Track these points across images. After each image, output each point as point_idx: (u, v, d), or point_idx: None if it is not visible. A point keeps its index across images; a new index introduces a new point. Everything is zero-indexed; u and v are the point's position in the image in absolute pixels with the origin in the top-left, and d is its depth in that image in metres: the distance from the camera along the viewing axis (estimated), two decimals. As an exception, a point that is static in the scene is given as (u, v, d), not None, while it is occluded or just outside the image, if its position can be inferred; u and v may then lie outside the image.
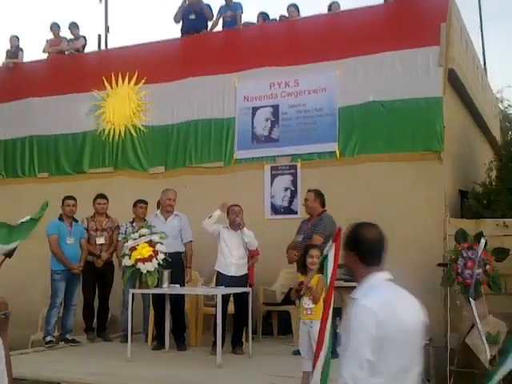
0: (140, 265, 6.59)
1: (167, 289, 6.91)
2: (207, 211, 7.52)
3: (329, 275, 4.42)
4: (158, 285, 6.80)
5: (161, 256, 6.69)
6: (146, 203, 8.32)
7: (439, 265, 7.60)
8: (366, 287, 2.73)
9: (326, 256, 4.55)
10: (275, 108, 9.22)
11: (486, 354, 6.92)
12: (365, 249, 2.78)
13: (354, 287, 6.92)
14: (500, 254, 7.31)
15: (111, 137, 10.23)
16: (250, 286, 7.60)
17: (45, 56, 11.30)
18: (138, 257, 6.58)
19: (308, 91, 9.06)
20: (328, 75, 8.94)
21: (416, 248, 8.06)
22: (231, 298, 7.08)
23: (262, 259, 8.12)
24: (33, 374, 5.99)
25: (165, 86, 9.92)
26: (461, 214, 8.63)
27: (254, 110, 9.34)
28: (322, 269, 5.03)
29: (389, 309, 2.54)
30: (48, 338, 7.42)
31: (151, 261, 6.59)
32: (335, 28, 9.24)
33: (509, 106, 10.22)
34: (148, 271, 6.57)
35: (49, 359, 6.91)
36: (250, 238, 7.15)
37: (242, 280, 7.14)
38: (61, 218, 7.78)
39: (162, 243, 6.80)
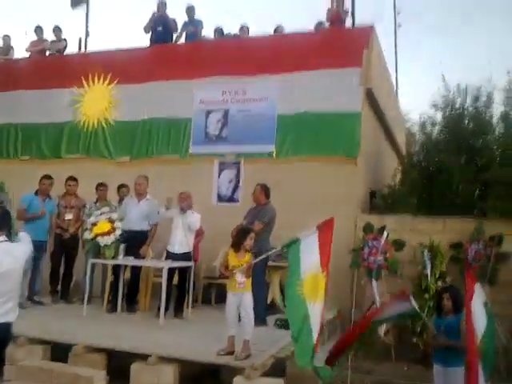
0: (99, 238, 6.36)
1: (121, 260, 6.70)
2: (166, 194, 7.36)
3: (302, 259, 4.45)
4: (115, 256, 6.60)
5: (118, 232, 6.46)
6: (106, 186, 8.05)
7: (353, 250, 7.58)
8: None
9: (298, 240, 4.61)
10: (226, 112, 9.04)
11: (382, 327, 6.96)
12: None
13: (278, 266, 6.79)
14: (398, 245, 7.36)
15: (85, 127, 9.86)
16: (196, 261, 7.45)
17: (27, 55, 10.80)
18: (98, 231, 6.35)
19: (253, 99, 8.91)
20: (270, 87, 8.80)
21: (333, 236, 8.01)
22: (176, 272, 6.91)
23: (208, 238, 7.97)
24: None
25: (134, 87, 9.59)
26: (370, 210, 8.65)
27: (208, 112, 9.13)
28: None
29: None
30: (36, 298, 7.16)
31: (109, 235, 6.36)
32: (278, 47, 9.05)
33: (413, 124, 10.32)
34: (105, 245, 6.33)
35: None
36: (192, 219, 6.95)
37: (185, 257, 6.94)
38: (36, 194, 7.45)
39: (120, 220, 6.57)
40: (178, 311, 6.84)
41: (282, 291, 7.76)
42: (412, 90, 25.51)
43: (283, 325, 6.22)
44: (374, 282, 7.14)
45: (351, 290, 7.54)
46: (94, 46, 10.78)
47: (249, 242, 4.95)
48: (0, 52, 10.87)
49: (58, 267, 7.70)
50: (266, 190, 6.90)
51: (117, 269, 7.04)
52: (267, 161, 8.66)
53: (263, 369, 4.58)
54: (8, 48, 10.85)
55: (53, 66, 10.43)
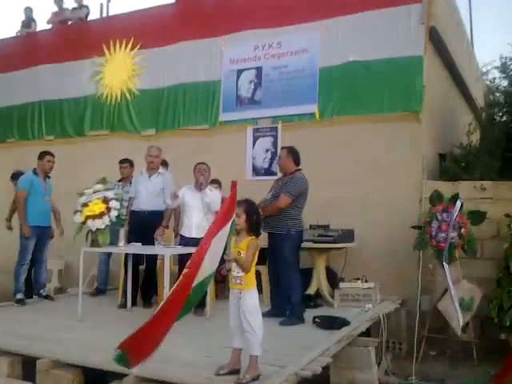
0: (89, 222, 5.12)
1: (115, 248, 5.46)
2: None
3: None
4: (114, 243, 5.40)
5: (114, 213, 5.18)
6: (128, 162, 6.99)
7: (413, 227, 6.01)
8: None
9: None
10: (259, 70, 7.62)
11: (458, 320, 5.39)
12: None
13: (324, 249, 5.28)
14: (476, 217, 5.67)
15: (108, 100, 8.79)
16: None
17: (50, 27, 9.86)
18: (89, 213, 5.11)
19: (290, 52, 7.43)
20: (310, 36, 7.29)
21: (392, 210, 6.51)
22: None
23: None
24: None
25: (157, 51, 8.39)
26: (439, 175, 6.97)
27: (239, 72, 7.75)
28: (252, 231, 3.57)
29: None
30: (19, 296, 5.98)
31: (102, 218, 5.10)
32: (318, -11, 7.47)
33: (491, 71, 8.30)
34: (98, 229, 5.09)
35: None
36: (212, 198, 5.60)
37: None
38: (35, 173, 6.30)
39: (116, 199, 5.28)
40: (198, 307, 5.53)
41: (329, 279, 6.31)
42: (490, 36, 21.09)
43: (324, 323, 4.79)
44: (446, 265, 5.53)
45: (417, 276, 6.02)
46: (116, 10, 9.67)
47: (237, 220, 3.48)
48: (22, 25, 9.99)
49: None
50: (294, 155, 5.44)
51: (125, 258, 5.86)
52: (309, 124, 7.20)
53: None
54: (30, 21, 9.94)
55: (73, 36, 9.36)
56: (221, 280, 5.94)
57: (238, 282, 3.42)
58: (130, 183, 6.71)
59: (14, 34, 10.10)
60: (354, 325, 4.84)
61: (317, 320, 4.84)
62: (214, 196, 5.61)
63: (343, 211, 6.64)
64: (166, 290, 4.68)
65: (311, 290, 6.06)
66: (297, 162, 5.43)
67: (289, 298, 5.06)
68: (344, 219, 6.44)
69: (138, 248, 5.41)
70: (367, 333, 5.31)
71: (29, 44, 9.88)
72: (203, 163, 5.84)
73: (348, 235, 6.16)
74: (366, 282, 5.97)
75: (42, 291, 6.30)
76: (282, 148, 5.68)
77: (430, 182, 6.45)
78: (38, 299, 6.26)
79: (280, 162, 5.54)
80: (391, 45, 6.73)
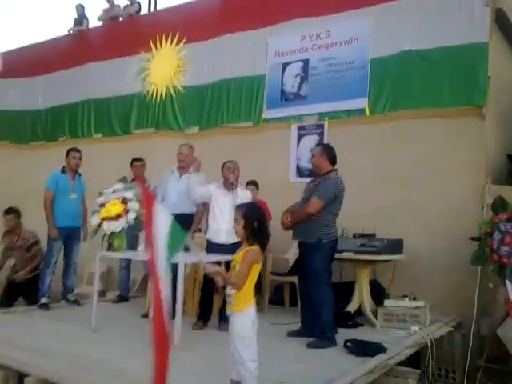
0: (104, 224, 4.72)
1: (135, 253, 4.96)
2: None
3: None
4: (134, 247, 5.02)
5: (132, 215, 4.77)
6: (142, 161, 6.68)
7: (472, 239, 5.21)
8: None
9: None
10: (305, 62, 7.05)
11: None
12: None
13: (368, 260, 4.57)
14: (547, 229, 4.82)
15: (154, 98, 8.53)
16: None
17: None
18: (105, 215, 4.73)
19: (339, 43, 6.80)
20: (361, 24, 6.62)
21: (449, 218, 5.74)
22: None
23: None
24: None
25: (202, 45, 8.02)
26: (507, 180, 6.08)
27: (284, 65, 7.21)
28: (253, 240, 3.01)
29: None
30: (43, 300, 5.74)
31: (118, 220, 4.71)
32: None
33: None
34: (112, 232, 4.70)
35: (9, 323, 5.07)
36: (245, 200, 5.09)
37: (235, 248, 5.11)
38: (63, 171, 6.04)
39: (136, 201, 4.88)
40: (223, 321, 5.06)
41: (375, 294, 5.63)
42: None
43: (356, 348, 4.16)
44: (509, 284, 4.72)
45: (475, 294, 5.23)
46: (164, 4, 9.37)
47: (235, 227, 2.97)
48: (74, 23, 9.95)
49: None
50: (328, 153, 4.80)
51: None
52: (358, 120, 6.54)
53: None
54: (81, 18, 9.88)
55: (122, 32, 9.23)
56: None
57: (229, 301, 2.88)
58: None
59: (65, 33, 10.07)
60: (392, 351, 4.19)
61: (348, 344, 4.22)
62: (245, 198, 5.10)
63: (393, 218, 5.97)
64: (179, 301, 4.26)
65: (352, 307, 5.42)
66: (332, 161, 4.81)
67: (319, 316, 4.47)
68: (394, 227, 5.78)
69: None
70: (416, 359, 4.66)
71: (80, 42, 9.84)
72: (232, 161, 5.36)
73: (395, 246, 5.46)
74: (414, 299, 5.26)
75: (69, 296, 6.04)
76: (316, 145, 5.12)
77: (494, 187, 5.61)
78: (65, 304, 6.02)
79: (313, 160, 4.93)
80: (451, 31, 5.94)
